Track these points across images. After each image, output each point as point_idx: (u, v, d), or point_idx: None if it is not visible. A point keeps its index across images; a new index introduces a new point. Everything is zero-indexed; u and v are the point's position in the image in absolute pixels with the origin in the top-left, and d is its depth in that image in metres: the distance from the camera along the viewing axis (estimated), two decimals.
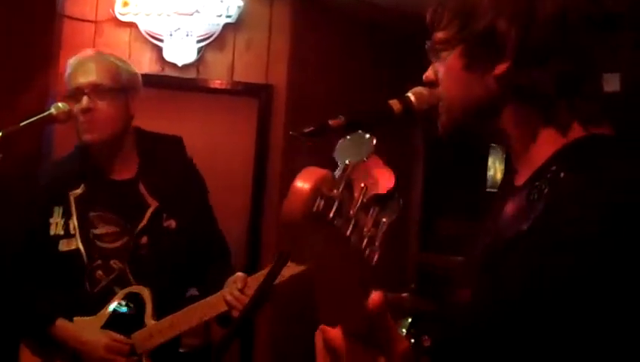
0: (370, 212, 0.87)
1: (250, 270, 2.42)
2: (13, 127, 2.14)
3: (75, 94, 2.32)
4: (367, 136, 0.95)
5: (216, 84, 4.24)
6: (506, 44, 1.13)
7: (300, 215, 0.81)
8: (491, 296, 1.06)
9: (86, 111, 2.30)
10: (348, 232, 0.83)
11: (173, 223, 2.41)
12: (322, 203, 0.81)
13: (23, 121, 2.17)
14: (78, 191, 2.39)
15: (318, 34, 4.37)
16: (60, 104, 2.25)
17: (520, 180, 1.18)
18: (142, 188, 2.41)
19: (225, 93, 4.28)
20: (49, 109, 2.24)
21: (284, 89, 4.23)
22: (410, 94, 1.29)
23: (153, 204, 2.40)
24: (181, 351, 2.56)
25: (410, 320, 3.22)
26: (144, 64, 4.17)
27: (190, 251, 2.48)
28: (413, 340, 3.20)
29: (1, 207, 2.63)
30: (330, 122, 1.31)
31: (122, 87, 2.39)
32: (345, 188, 0.84)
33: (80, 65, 2.36)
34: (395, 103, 1.28)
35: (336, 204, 0.82)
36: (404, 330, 3.18)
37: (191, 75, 4.21)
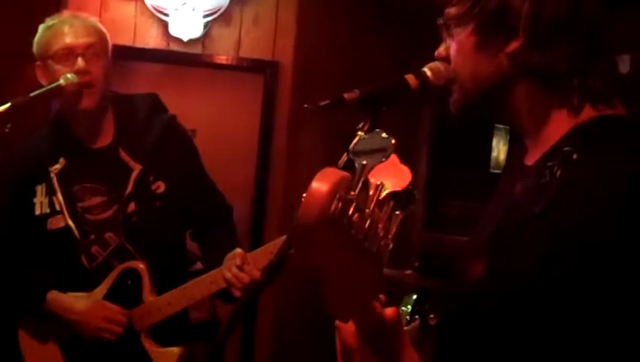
0: (385, 208, 0.87)
1: (254, 246, 2.40)
2: (23, 97, 2.10)
3: (64, 56, 2.23)
4: (385, 135, 0.94)
5: (221, 59, 4.21)
6: (519, 22, 1.12)
7: (317, 218, 0.80)
8: (505, 275, 1.06)
9: (84, 72, 2.21)
10: (362, 233, 0.82)
11: (161, 186, 2.34)
12: (339, 205, 0.80)
13: (31, 92, 2.15)
14: (58, 166, 2.31)
15: (325, 10, 4.33)
16: (68, 75, 2.17)
17: (530, 160, 1.18)
18: (122, 153, 2.34)
19: (230, 69, 4.26)
20: (57, 81, 2.18)
21: (291, 66, 4.20)
22: (426, 69, 1.28)
23: (136, 168, 2.32)
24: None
25: (414, 297, 3.21)
26: (150, 39, 4.16)
27: (186, 214, 2.42)
28: (417, 317, 3.20)
29: None
30: (346, 96, 1.30)
31: (108, 48, 2.34)
32: (361, 188, 0.84)
33: (66, 27, 2.26)
34: (411, 78, 1.28)
35: (353, 206, 0.81)
36: (409, 306, 3.17)
37: (196, 50, 4.18)
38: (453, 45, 1.21)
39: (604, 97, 1.12)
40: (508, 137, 5.34)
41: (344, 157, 1.41)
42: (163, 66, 4.22)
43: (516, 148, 1.33)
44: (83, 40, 2.24)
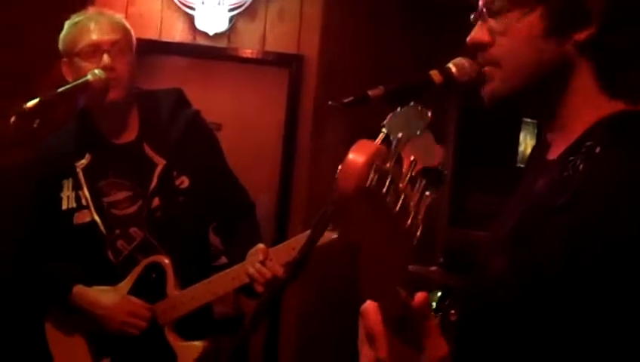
0: (417, 186, 0.86)
1: (278, 241, 2.40)
2: (51, 93, 2.11)
3: (90, 53, 2.24)
4: (421, 108, 0.94)
5: (247, 53, 4.22)
6: (594, 9, 1.09)
7: (353, 189, 0.79)
8: (527, 269, 1.05)
9: (111, 69, 2.23)
10: (397, 208, 0.81)
11: (185, 181, 2.35)
12: (375, 177, 0.79)
13: (59, 88, 2.16)
14: (84, 161, 2.33)
15: (349, 4, 4.31)
16: (96, 70, 2.18)
17: (553, 154, 1.16)
18: (146, 148, 2.35)
19: (256, 62, 4.27)
20: (85, 76, 2.19)
21: (316, 59, 4.20)
22: (451, 65, 1.25)
23: (160, 163, 2.33)
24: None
25: (439, 294, 3.20)
26: (176, 32, 4.18)
27: (209, 209, 2.43)
28: (441, 313, 3.19)
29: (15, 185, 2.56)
30: (370, 92, 1.29)
31: (133, 44, 2.35)
32: (395, 162, 0.83)
33: (92, 23, 2.27)
34: (435, 74, 1.25)
35: (389, 179, 0.80)
36: (433, 303, 3.16)
37: (222, 44, 4.19)
38: (505, 28, 1.16)
39: (633, 92, 1.11)
40: (536, 131, 5.28)
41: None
42: (189, 60, 4.23)
43: (538, 144, 1.31)
44: (109, 37, 2.25)
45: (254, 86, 4.30)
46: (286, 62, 4.21)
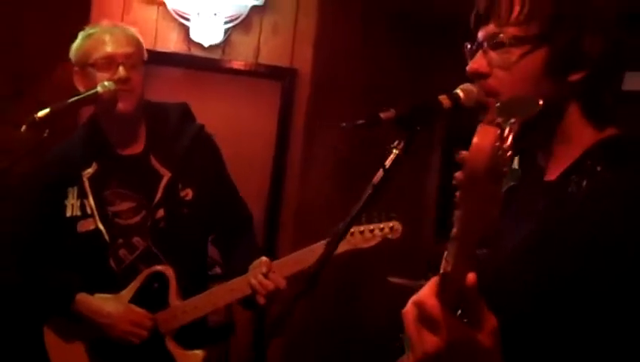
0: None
1: (267, 254, 2.44)
2: (61, 103, 2.15)
3: (105, 64, 2.29)
4: (532, 98, 1.01)
5: (241, 65, 4.25)
6: (589, 54, 1.19)
7: (484, 171, 0.87)
8: (545, 278, 1.12)
9: (125, 81, 2.28)
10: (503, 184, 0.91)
11: (189, 193, 2.39)
12: (499, 160, 0.88)
13: (70, 99, 2.19)
14: (90, 170, 2.37)
15: (344, 19, 4.37)
16: (106, 83, 2.23)
17: (551, 176, 1.25)
18: (153, 160, 2.40)
19: (249, 75, 4.30)
20: (95, 88, 2.24)
21: (309, 73, 4.24)
22: (459, 91, 1.32)
23: (166, 175, 2.38)
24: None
25: None
26: (170, 43, 4.20)
27: (212, 221, 2.48)
28: None
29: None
30: (382, 115, 1.37)
31: (144, 57, 2.41)
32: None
33: (107, 36, 2.32)
34: (444, 99, 1.33)
35: (506, 159, 0.89)
36: None
37: (216, 55, 4.22)
38: (512, 66, 1.23)
39: (615, 117, 1.24)
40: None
41: (379, 173, 1.47)
42: (183, 71, 4.26)
43: (529, 169, 1.39)
44: (124, 49, 2.30)
45: (247, 98, 4.33)
46: (279, 76, 4.26)
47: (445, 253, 0.97)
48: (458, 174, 0.91)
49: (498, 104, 0.97)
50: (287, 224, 4.23)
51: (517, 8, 1.22)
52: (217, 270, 3.04)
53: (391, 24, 4.53)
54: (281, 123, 4.26)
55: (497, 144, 0.88)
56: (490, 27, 1.26)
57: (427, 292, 0.99)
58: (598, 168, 1.16)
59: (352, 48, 4.39)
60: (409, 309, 1.02)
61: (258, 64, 4.25)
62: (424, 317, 0.98)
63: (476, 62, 1.29)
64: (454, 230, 0.94)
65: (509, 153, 0.89)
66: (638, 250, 1.05)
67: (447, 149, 4.80)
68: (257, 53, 4.25)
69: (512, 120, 0.91)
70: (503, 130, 0.89)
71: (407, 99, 1.46)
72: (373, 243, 2.27)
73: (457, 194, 0.93)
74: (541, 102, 0.99)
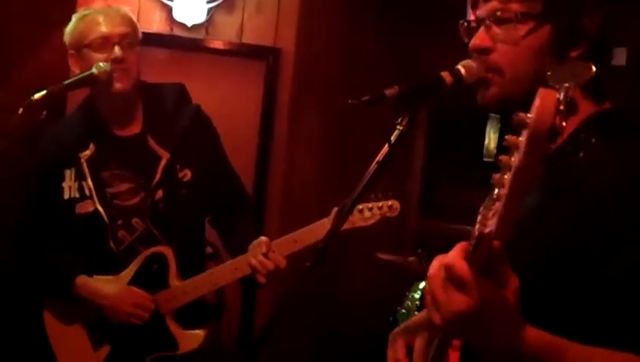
0: None
1: None
2: (57, 85, 2.14)
3: (101, 45, 2.28)
4: (584, 63, 1.08)
5: (224, 45, 4.23)
6: (587, 33, 1.25)
7: (547, 131, 0.92)
8: (546, 247, 1.18)
9: (121, 60, 2.27)
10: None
11: (188, 173, 2.40)
12: (558, 121, 0.93)
13: (66, 80, 2.18)
14: (88, 152, 2.36)
15: None
16: (101, 64, 2.23)
17: None
18: (150, 142, 2.40)
19: (233, 54, 4.28)
20: (90, 69, 2.23)
21: (293, 52, 4.23)
22: (460, 67, 1.37)
23: (165, 156, 2.38)
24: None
25: (423, 283, 3.30)
26: (153, 23, 4.16)
27: (210, 201, 2.49)
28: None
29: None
30: (386, 92, 1.39)
31: (139, 37, 2.40)
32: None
33: (102, 16, 2.31)
34: (446, 75, 1.37)
35: (566, 122, 0.93)
36: (418, 292, 3.26)
37: (200, 35, 4.20)
38: (517, 40, 1.28)
39: (611, 91, 1.29)
40: (499, 126, 5.41)
41: (385, 149, 1.49)
42: (166, 51, 4.23)
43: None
44: (119, 29, 2.29)
45: (231, 78, 4.32)
46: (263, 55, 4.24)
47: (479, 216, 1.00)
48: (512, 137, 0.95)
49: (549, 72, 1.01)
50: (274, 202, 4.24)
51: None
52: (209, 249, 3.06)
53: (374, 3, 4.54)
54: (266, 102, 4.26)
55: (557, 105, 0.93)
56: (494, 3, 1.29)
57: (456, 255, 1.04)
58: (593, 140, 1.21)
59: (335, 27, 4.40)
60: (435, 272, 1.07)
61: (242, 44, 4.24)
62: (453, 278, 1.03)
63: (479, 38, 1.33)
64: (499, 191, 0.97)
65: (565, 115, 0.93)
66: (634, 217, 1.11)
67: (431, 129, 4.84)
68: (241, 33, 4.23)
69: (567, 84, 0.95)
70: (559, 94, 0.94)
71: (408, 77, 1.48)
72: (371, 221, 2.30)
73: (501, 157, 0.96)
74: (594, 68, 1.03)
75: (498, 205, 0.97)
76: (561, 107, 0.93)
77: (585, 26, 1.25)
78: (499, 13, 1.28)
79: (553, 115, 0.92)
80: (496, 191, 0.97)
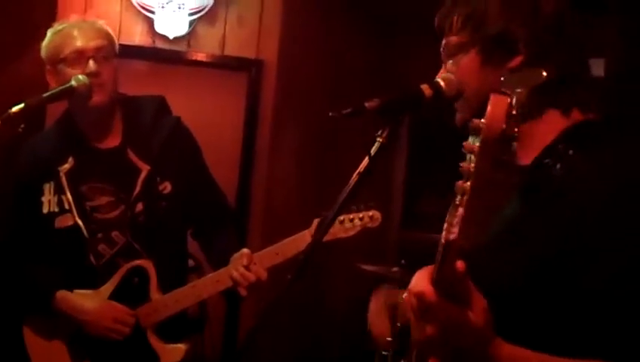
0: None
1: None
2: (36, 98, 2.14)
3: (75, 59, 2.27)
4: (535, 69, 1.11)
5: (206, 57, 4.23)
6: (519, 41, 1.28)
7: (499, 136, 0.96)
8: (527, 257, 1.19)
9: (96, 74, 2.26)
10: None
11: (168, 186, 2.38)
12: (510, 126, 0.96)
13: (45, 93, 2.17)
14: (67, 165, 2.35)
15: (309, 10, 4.38)
16: (80, 76, 2.22)
17: (524, 160, 1.31)
18: (130, 154, 2.38)
19: (215, 67, 4.28)
20: (69, 82, 2.22)
21: (275, 64, 4.23)
22: (439, 80, 1.41)
23: (144, 169, 2.37)
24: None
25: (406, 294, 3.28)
26: (135, 36, 4.16)
27: (191, 214, 2.48)
28: None
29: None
30: (367, 104, 1.43)
31: (116, 50, 2.39)
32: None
33: (76, 30, 2.30)
34: (426, 88, 1.40)
35: (518, 126, 0.96)
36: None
37: (182, 48, 4.20)
38: (459, 67, 1.36)
39: (586, 103, 1.30)
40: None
41: (365, 162, 1.50)
42: (148, 64, 4.22)
43: None
44: (94, 43, 2.28)
45: (214, 90, 4.31)
46: (245, 67, 4.24)
47: (445, 223, 1.01)
48: (468, 143, 0.96)
49: (503, 78, 1.03)
50: (257, 215, 4.24)
51: (454, 18, 1.35)
52: (191, 262, 3.04)
53: (355, 15, 4.56)
54: (248, 114, 4.25)
55: (508, 110, 0.96)
56: (444, 40, 1.40)
57: (423, 282, 1.08)
58: (571, 152, 1.23)
59: (318, 39, 4.41)
60: (407, 298, 1.12)
61: (224, 56, 4.24)
62: (422, 306, 1.07)
63: (440, 73, 1.42)
64: (461, 198, 0.98)
65: (518, 119, 0.96)
66: (613, 227, 1.12)
67: (413, 140, 4.85)
68: (223, 45, 4.24)
69: (519, 89, 0.97)
70: (511, 99, 0.97)
71: (389, 89, 1.50)
72: (352, 232, 2.29)
73: (462, 164, 0.97)
74: (545, 73, 1.07)
75: (460, 212, 0.98)
76: (514, 112, 0.96)
77: (513, 37, 1.28)
78: (445, 49, 1.39)
79: (504, 119, 0.95)
80: (458, 197, 0.99)
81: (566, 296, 1.15)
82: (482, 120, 0.97)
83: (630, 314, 1.09)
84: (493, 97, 0.98)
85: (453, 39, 1.36)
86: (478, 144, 0.97)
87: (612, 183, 1.15)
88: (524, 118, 0.98)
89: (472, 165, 0.97)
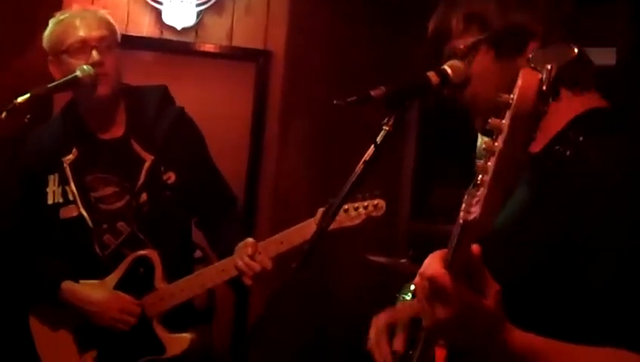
0: None
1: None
2: (42, 88, 2.14)
3: (79, 49, 2.27)
4: (566, 44, 1.07)
5: (214, 48, 4.22)
6: (530, 30, 1.28)
7: (530, 110, 0.92)
8: (540, 243, 1.19)
9: (99, 64, 2.26)
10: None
11: (172, 176, 2.39)
12: (540, 102, 0.93)
13: (50, 84, 2.17)
14: (71, 156, 2.35)
15: (316, 0, 4.36)
16: (85, 67, 2.21)
17: (535, 148, 1.31)
18: (134, 144, 2.38)
19: (223, 57, 4.27)
20: (74, 73, 2.21)
21: (283, 55, 4.22)
22: (446, 67, 1.39)
23: (148, 159, 2.37)
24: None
25: (413, 286, 3.27)
26: (143, 27, 4.15)
27: (195, 203, 2.48)
28: None
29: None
30: (372, 93, 1.41)
31: (118, 40, 2.39)
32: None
33: (78, 20, 2.30)
34: (432, 75, 1.39)
35: (548, 102, 0.94)
36: (409, 294, 3.24)
37: (189, 38, 4.19)
38: (473, 69, 1.35)
39: (593, 91, 1.31)
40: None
41: (371, 150, 1.49)
42: (156, 55, 4.22)
43: None
44: (96, 33, 2.28)
45: (221, 80, 4.31)
46: (253, 57, 4.23)
47: (463, 203, 0.99)
48: (495, 120, 0.94)
49: (531, 55, 1.01)
50: (265, 205, 4.23)
51: (454, 22, 1.35)
52: (198, 253, 3.04)
53: (363, 4, 4.54)
54: (257, 104, 4.25)
55: (540, 85, 0.93)
56: (446, 45, 1.38)
57: (436, 265, 1.05)
58: (581, 138, 1.22)
59: (325, 29, 4.39)
60: (418, 282, 1.09)
61: (232, 46, 4.23)
62: (436, 290, 1.04)
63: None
64: (482, 177, 0.95)
65: (548, 96, 0.93)
66: (623, 212, 1.12)
67: (423, 130, 4.83)
68: (231, 36, 4.23)
69: (548, 66, 0.95)
70: (542, 75, 0.94)
71: (396, 77, 1.49)
72: (357, 221, 2.28)
73: (485, 142, 0.95)
74: (575, 50, 1.05)
75: (482, 192, 0.94)
76: (544, 87, 0.93)
77: (520, 26, 1.28)
78: (449, 50, 1.38)
79: (536, 93, 0.92)
80: (480, 177, 0.95)
81: (571, 285, 1.14)
82: (511, 95, 0.94)
83: (636, 301, 1.09)
84: (524, 71, 0.94)
85: (459, 43, 1.35)
86: (506, 121, 0.93)
87: (619, 172, 1.15)
88: (554, 96, 0.95)
89: (499, 144, 0.93)
